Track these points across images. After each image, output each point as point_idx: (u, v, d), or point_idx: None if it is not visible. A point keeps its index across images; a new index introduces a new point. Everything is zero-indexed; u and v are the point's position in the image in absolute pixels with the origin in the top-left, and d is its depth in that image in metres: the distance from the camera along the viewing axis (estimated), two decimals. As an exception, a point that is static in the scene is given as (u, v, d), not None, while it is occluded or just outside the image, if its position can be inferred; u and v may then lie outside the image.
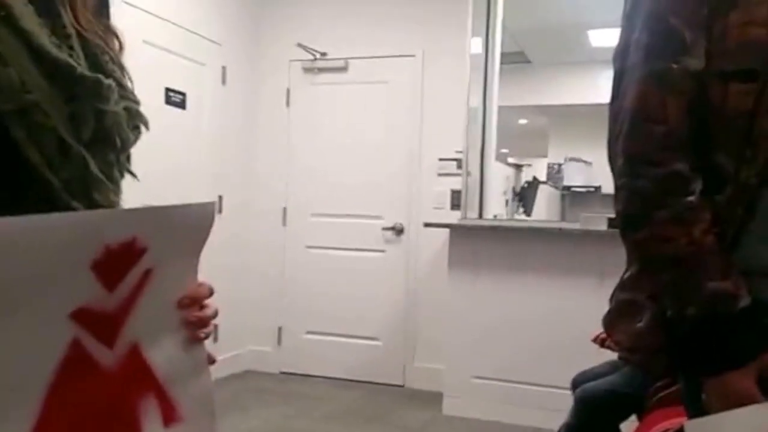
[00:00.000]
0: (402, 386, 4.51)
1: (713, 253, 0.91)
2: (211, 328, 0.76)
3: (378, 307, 4.59)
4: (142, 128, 0.80)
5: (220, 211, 4.46)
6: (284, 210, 4.84)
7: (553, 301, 3.69)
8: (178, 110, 4.12)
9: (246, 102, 4.82)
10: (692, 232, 0.91)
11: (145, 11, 3.80)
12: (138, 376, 0.68)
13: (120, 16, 0.89)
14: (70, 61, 0.70)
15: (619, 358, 2.36)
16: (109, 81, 0.73)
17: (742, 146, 0.92)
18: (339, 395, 4.28)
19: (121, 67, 0.80)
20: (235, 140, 4.70)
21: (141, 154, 0.83)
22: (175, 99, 4.09)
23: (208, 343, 0.77)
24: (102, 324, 0.64)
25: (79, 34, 0.75)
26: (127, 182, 0.81)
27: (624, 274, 1.11)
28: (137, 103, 0.80)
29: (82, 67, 0.72)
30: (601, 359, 2.52)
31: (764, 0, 0.91)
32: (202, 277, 0.75)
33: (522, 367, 3.76)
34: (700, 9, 0.94)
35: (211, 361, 0.77)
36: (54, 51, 0.69)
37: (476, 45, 4.41)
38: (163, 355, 0.71)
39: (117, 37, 0.82)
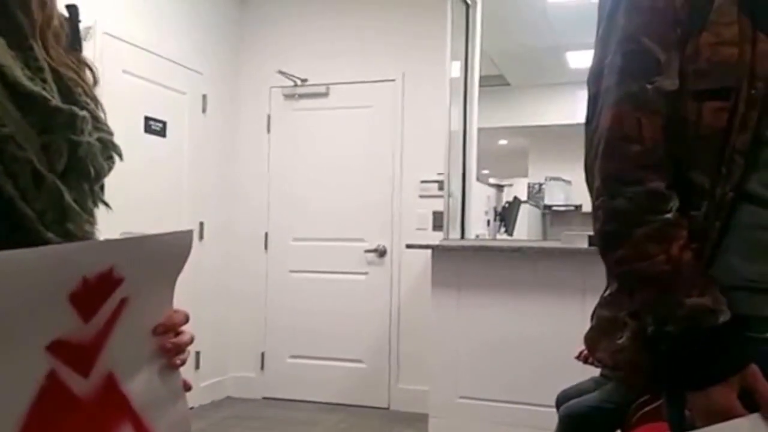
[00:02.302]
0: (387, 408, 4.47)
1: (691, 270, 0.92)
2: (186, 355, 0.75)
3: (362, 330, 4.56)
4: (117, 158, 0.80)
5: (201, 237, 4.44)
6: (266, 235, 4.82)
7: (537, 319, 3.69)
8: (159, 138, 4.11)
9: (227, 129, 4.81)
10: (670, 249, 0.92)
11: (126, 42, 3.80)
12: (114, 404, 0.68)
13: (100, 46, 0.89)
14: (44, 93, 0.71)
15: (602, 375, 2.37)
16: (83, 113, 0.74)
17: (718, 163, 0.94)
18: (323, 419, 4.23)
19: (95, 99, 0.80)
20: (216, 167, 4.69)
21: (122, 182, 0.83)
22: (155, 127, 4.08)
23: (188, 370, 0.76)
24: (78, 355, 0.64)
25: (51, 68, 0.75)
26: (108, 210, 0.81)
27: (604, 291, 1.11)
28: (111, 133, 0.80)
29: (55, 100, 0.72)
30: (586, 376, 2.52)
31: (734, 21, 0.94)
32: (185, 303, 0.75)
33: (507, 386, 3.75)
34: (673, 30, 0.96)
35: (188, 387, 0.76)
36: (27, 84, 0.70)
37: (455, 69, 4.46)
38: (138, 383, 0.70)
39: (91, 70, 0.83)
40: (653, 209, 0.94)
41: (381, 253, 4.55)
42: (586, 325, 1.15)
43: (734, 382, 0.88)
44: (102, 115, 0.80)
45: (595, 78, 1.03)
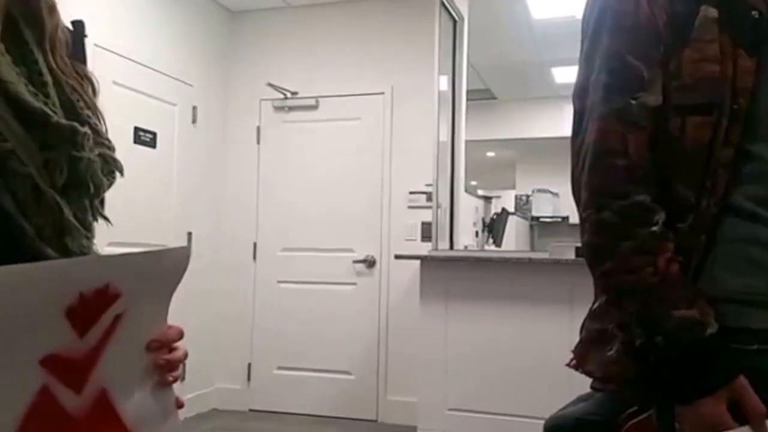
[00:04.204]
0: (375, 421, 4.45)
1: (678, 282, 0.93)
2: (179, 371, 0.75)
3: (350, 341, 4.55)
4: (117, 174, 0.80)
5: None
6: (254, 245, 4.81)
7: (525, 330, 3.70)
8: (149, 149, 4.10)
9: (216, 140, 4.81)
10: (657, 262, 0.93)
11: (116, 53, 3.80)
12: (106, 421, 0.67)
13: (91, 57, 0.89)
14: (46, 109, 0.71)
15: (592, 387, 2.37)
16: (84, 129, 0.74)
17: (702, 176, 0.95)
18: (312, 433, 4.21)
19: (96, 113, 0.80)
20: (206, 177, 4.68)
21: (112, 192, 0.83)
22: (145, 138, 4.07)
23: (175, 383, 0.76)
24: (71, 370, 0.64)
25: (55, 80, 0.75)
26: (105, 223, 0.81)
27: (593, 304, 1.12)
28: (112, 149, 0.80)
29: (57, 115, 0.72)
30: (574, 385, 2.52)
31: (715, 38, 0.96)
32: (172, 313, 0.75)
33: (495, 398, 3.75)
34: (656, 47, 0.98)
35: (179, 405, 0.76)
36: (30, 100, 0.70)
37: (443, 82, 4.50)
38: (131, 399, 0.70)
39: (91, 82, 0.83)
40: (639, 222, 0.95)
41: (370, 263, 4.55)
42: (575, 336, 1.16)
43: (723, 394, 0.89)
44: (103, 128, 0.80)
45: (581, 94, 1.04)
